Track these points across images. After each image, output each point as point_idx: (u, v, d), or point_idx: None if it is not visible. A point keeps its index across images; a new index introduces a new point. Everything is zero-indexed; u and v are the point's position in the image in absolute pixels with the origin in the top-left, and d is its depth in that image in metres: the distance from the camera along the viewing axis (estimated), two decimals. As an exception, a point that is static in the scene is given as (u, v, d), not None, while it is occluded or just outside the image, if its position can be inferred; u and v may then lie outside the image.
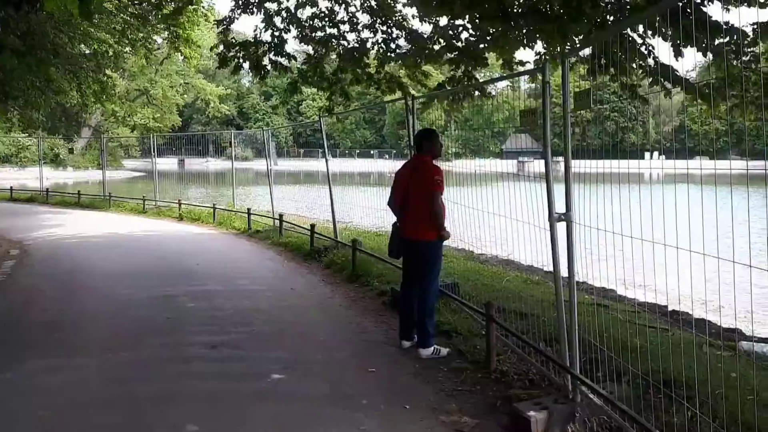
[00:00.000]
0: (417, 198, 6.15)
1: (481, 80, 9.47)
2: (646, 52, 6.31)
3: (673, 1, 3.78)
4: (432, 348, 6.05)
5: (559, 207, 4.59)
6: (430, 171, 6.10)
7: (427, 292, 6.17)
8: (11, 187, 28.32)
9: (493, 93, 8.81)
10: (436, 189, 6.00)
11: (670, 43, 5.75)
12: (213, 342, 6.48)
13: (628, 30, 6.03)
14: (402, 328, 6.37)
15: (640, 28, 6.52)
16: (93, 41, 17.37)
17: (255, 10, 9.39)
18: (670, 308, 9.04)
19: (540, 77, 4.84)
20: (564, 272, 4.72)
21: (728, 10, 5.30)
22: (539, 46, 6.34)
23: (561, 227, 4.61)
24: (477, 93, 9.20)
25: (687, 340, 5.92)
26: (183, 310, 7.87)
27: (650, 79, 6.64)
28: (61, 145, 54.32)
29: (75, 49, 16.87)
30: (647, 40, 6.43)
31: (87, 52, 18.23)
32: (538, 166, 6.21)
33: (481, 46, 7.43)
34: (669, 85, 6.65)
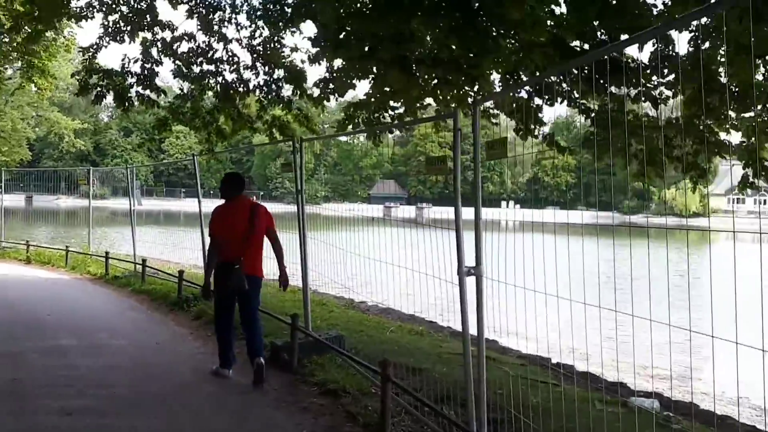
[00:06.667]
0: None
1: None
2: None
3: (591, 57, 3.71)
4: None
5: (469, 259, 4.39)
6: None
7: None
8: None
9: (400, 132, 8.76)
10: None
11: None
12: (67, 408, 5.65)
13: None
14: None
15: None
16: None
17: (127, 38, 8.77)
18: (554, 360, 9.05)
19: (451, 123, 4.67)
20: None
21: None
22: (445, 92, 6.23)
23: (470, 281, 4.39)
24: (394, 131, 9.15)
25: (580, 397, 5.87)
26: (32, 370, 6.93)
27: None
28: None
29: None
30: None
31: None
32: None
33: (386, 89, 7.23)
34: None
